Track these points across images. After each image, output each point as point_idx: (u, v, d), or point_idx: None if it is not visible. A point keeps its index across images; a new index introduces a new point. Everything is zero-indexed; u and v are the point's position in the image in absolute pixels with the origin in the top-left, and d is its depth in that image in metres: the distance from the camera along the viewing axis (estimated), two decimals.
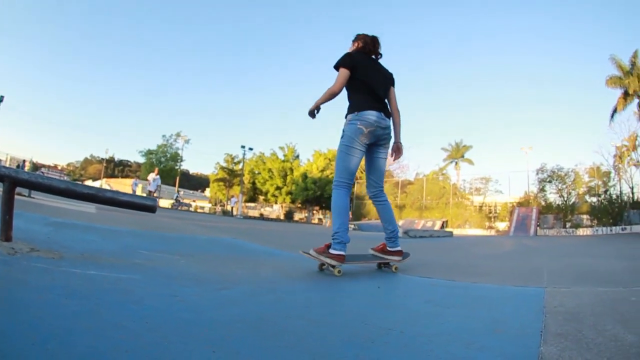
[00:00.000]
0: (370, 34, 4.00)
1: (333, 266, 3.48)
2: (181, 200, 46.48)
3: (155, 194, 21.88)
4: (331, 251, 3.50)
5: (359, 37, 3.98)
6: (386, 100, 4.01)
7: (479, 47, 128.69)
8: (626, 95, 33.76)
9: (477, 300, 2.83)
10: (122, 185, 72.36)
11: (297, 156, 59.55)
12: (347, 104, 3.88)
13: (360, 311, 2.28)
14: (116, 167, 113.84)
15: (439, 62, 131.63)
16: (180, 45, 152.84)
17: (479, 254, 6.09)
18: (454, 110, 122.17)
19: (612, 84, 34.46)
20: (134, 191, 34.65)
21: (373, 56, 4.05)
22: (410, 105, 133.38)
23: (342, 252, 3.51)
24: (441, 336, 1.85)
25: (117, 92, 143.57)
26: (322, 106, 3.86)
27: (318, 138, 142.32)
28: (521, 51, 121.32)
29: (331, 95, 3.72)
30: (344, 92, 3.88)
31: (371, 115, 3.64)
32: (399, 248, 4.00)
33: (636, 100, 33.83)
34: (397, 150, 4.14)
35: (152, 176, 23.18)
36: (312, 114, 3.85)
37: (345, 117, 3.79)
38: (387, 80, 4.03)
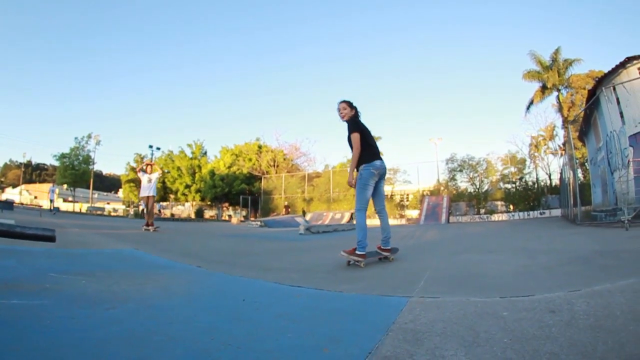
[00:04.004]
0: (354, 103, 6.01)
1: (359, 261, 5.41)
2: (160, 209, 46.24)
3: (151, 198, 14.69)
4: (357, 252, 5.43)
5: (353, 106, 5.94)
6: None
7: (389, 40, 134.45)
8: (544, 88, 37.10)
9: (329, 314, 2.91)
10: (40, 192, 76.57)
11: (205, 153, 61.25)
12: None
13: (213, 326, 2.53)
14: (34, 172, 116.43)
15: (348, 56, 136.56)
16: (87, 46, 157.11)
17: None
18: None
19: (529, 77, 37.78)
20: (52, 200, 31.94)
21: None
22: (317, 96, 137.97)
23: (364, 252, 5.45)
24: (270, 353, 2.05)
25: (32, 93, 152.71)
26: None
27: (225, 134, 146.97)
28: (429, 44, 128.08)
29: (358, 157, 5.69)
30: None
31: (377, 163, 5.74)
32: (389, 247, 5.97)
33: (555, 94, 37.22)
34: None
35: (146, 177, 14.71)
36: (351, 180, 5.86)
37: (358, 165, 5.76)
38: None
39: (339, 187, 40.96)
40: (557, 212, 28.22)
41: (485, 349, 1.98)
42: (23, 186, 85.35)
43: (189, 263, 5.68)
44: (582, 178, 30.81)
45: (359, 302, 3.29)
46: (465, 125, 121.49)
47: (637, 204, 9.80)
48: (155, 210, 15.98)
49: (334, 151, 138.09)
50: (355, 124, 5.78)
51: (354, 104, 5.98)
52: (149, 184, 14.61)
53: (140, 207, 47.71)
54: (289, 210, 38.97)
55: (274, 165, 52.94)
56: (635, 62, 15.75)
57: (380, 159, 5.85)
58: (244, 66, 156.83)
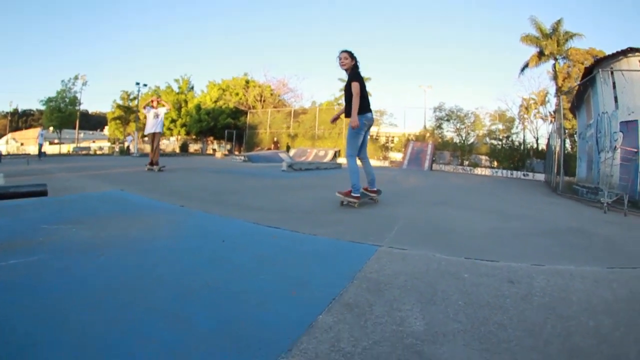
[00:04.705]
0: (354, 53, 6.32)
1: (353, 202, 6.04)
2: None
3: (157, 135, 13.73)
4: (353, 194, 6.07)
5: (354, 57, 6.26)
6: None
7: None
8: (541, 54, 36.76)
9: (301, 258, 3.09)
10: (26, 138, 78.72)
11: (192, 87, 60.50)
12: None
13: (195, 268, 2.79)
14: (20, 119, 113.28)
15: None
16: None
17: None
18: (355, 42, 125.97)
19: (527, 41, 37.34)
20: (40, 144, 30.98)
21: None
22: (308, 34, 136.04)
23: (359, 195, 6.11)
24: (244, 294, 2.28)
25: (14, 37, 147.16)
26: None
27: (213, 69, 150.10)
28: None
29: (358, 101, 5.97)
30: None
31: (369, 115, 6.32)
32: (375, 189, 6.66)
33: (551, 62, 36.98)
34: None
35: (152, 112, 13.64)
36: (355, 120, 6.00)
37: (350, 115, 6.07)
38: None
39: (324, 125, 40.77)
40: (540, 177, 28.33)
41: (440, 308, 2.12)
42: (9, 135, 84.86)
43: (173, 202, 5.84)
44: (569, 149, 31.09)
45: (330, 247, 3.44)
46: (456, 76, 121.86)
47: (618, 190, 9.96)
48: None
49: (321, 89, 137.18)
50: (356, 74, 6.21)
51: (355, 55, 6.32)
52: (155, 120, 13.54)
53: (126, 144, 47.16)
54: (278, 146, 38.88)
55: (261, 100, 52.50)
56: (637, 53, 15.72)
57: (371, 111, 6.43)
58: (234, 1, 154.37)
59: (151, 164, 13.29)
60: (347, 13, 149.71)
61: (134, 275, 2.57)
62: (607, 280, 3.02)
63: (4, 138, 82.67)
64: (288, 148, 38.34)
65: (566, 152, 22.34)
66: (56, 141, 61.86)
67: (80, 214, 4.91)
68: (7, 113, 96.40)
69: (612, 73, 15.90)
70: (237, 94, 53.19)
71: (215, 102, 53.36)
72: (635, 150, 11.63)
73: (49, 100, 54.17)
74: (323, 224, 4.53)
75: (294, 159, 28.35)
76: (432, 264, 2.96)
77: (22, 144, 75.67)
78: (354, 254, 3.23)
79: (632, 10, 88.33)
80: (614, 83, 16.03)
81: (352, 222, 4.78)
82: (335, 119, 7.26)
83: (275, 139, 40.86)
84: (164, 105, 14.10)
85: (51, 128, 56.22)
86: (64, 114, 54.35)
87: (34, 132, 46.17)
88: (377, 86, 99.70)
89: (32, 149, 44.95)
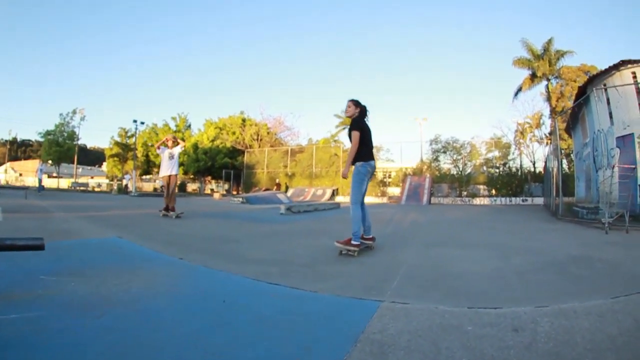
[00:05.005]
0: (362, 102, 6.54)
1: (353, 251, 5.95)
2: None
3: (173, 177, 12.75)
4: (353, 242, 6.02)
5: (359, 105, 6.49)
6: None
7: (379, 16, 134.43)
8: (534, 76, 37.97)
9: (303, 319, 3.05)
10: (25, 170, 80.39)
11: (189, 126, 62.22)
12: None
13: (196, 332, 2.70)
14: (19, 148, 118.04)
15: (335, 30, 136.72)
16: (68, 23, 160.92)
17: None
18: (347, 77, 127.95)
19: (519, 64, 38.62)
20: (40, 179, 30.72)
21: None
22: (303, 71, 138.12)
23: (359, 242, 6.07)
24: None
25: (16, 67, 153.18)
26: None
27: (210, 107, 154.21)
28: (420, 23, 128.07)
29: (355, 153, 6.21)
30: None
31: (372, 162, 6.37)
32: (371, 236, 6.63)
33: (544, 83, 38.14)
34: None
35: (167, 152, 12.80)
36: (346, 171, 6.33)
37: (355, 162, 6.31)
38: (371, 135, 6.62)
39: (322, 163, 41.31)
40: (539, 201, 28.85)
41: None
42: (8, 164, 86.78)
43: (171, 254, 5.81)
44: (566, 169, 31.35)
45: (332, 305, 3.41)
46: (450, 107, 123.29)
47: (618, 208, 10.00)
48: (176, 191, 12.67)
49: (318, 126, 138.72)
50: (357, 123, 6.36)
51: (362, 104, 6.56)
52: (170, 161, 12.63)
53: (124, 182, 47.80)
54: (280, 187, 39.34)
55: (258, 139, 53.21)
56: (629, 66, 15.97)
57: (374, 159, 6.55)
58: (229, 39, 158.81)
59: (167, 209, 12.47)
60: (342, 49, 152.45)
61: (135, 340, 2.53)
62: (611, 311, 3.08)
63: (3, 167, 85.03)
64: (287, 188, 38.63)
65: (564, 172, 22.45)
66: (54, 174, 63.13)
67: (78, 264, 4.98)
68: (6, 141, 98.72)
69: (605, 90, 16.12)
70: (233, 133, 54.17)
71: (212, 141, 54.20)
72: (633, 166, 11.70)
73: (47, 133, 55.73)
74: (323, 278, 4.50)
75: (292, 199, 28.55)
76: (435, 318, 2.95)
77: (20, 175, 77.85)
78: (356, 312, 3.21)
79: (624, 19, 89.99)
80: (607, 99, 16.31)
81: (353, 274, 4.73)
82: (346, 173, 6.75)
83: (277, 180, 41.30)
84: (179, 144, 13.27)
85: (50, 162, 57.16)
86: (62, 148, 55.71)
87: (33, 164, 47.24)
88: (372, 123, 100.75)
89: (31, 181, 45.47)
